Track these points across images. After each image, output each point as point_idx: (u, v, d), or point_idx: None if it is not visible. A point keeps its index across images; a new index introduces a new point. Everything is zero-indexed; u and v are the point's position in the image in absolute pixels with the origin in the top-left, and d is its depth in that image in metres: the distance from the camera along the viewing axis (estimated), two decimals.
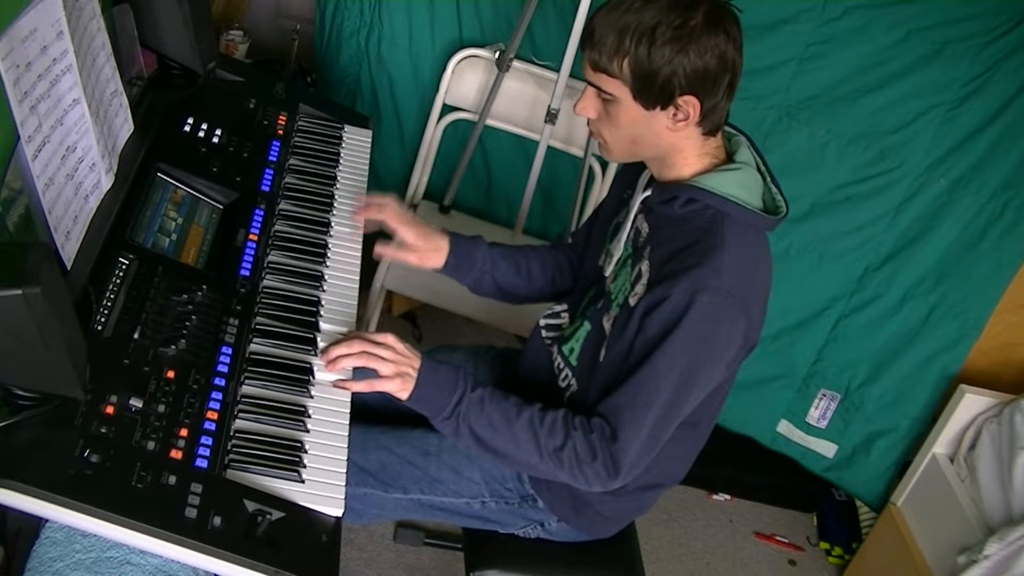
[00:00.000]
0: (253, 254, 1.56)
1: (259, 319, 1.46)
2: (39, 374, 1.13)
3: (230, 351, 1.38)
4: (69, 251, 1.32)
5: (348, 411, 1.41)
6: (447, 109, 2.53)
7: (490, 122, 2.48)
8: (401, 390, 1.44)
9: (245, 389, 1.36)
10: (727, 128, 1.51)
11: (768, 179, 1.50)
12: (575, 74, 2.33)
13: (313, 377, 1.42)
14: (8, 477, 1.08)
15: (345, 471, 1.32)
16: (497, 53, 2.38)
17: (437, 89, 2.48)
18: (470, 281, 1.74)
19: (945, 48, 2.21)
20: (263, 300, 1.50)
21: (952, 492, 2.32)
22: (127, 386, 1.24)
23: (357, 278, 1.64)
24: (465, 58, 2.44)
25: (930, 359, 2.44)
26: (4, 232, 1.25)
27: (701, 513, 2.73)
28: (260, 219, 1.63)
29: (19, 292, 1.04)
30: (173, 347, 1.32)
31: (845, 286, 2.44)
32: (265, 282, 1.53)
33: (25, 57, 1.21)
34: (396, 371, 1.43)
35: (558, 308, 1.71)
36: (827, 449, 2.58)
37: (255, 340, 1.43)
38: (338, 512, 1.26)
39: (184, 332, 1.35)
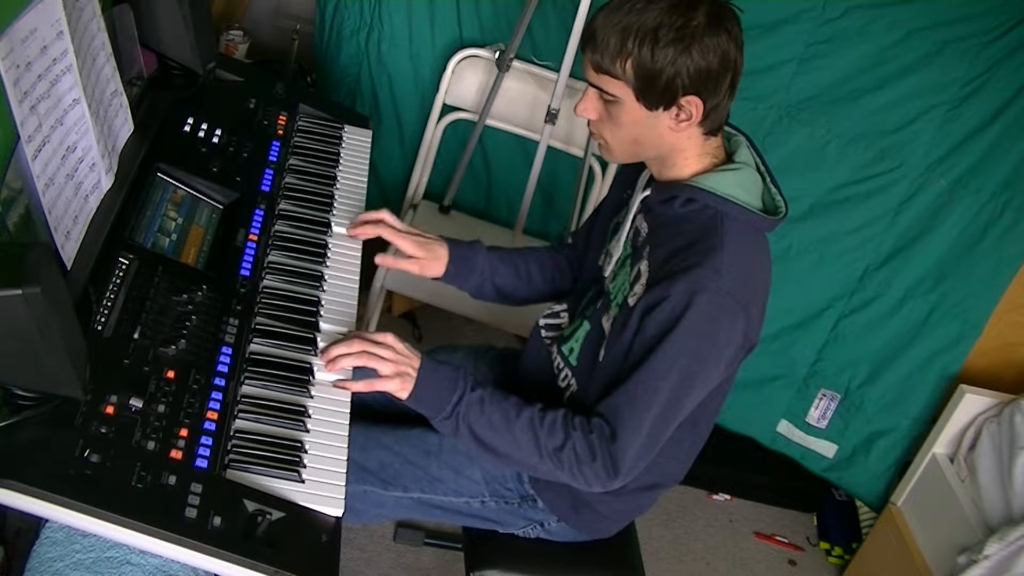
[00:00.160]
0: (253, 254, 1.56)
1: (259, 319, 1.46)
2: (39, 374, 1.13)
3: (230, 351, 1.38)
4: (69, 251, 1.32)
5: (348, 411, 1.41)
6: (447, 109, 2.53)
7: (490, 122, 2.48)
8: (401, 390, 1.44)
9: (245, 389, 1.36)
10: (727, 128, 1.51)
11: (768, 179, 1.50)
12: (575, 74, 2.33)
13: (313, 377, 1.42)
14: (8, 477, 1.08)
15: (345, 471, 1.32)
16: (497, 53, 2.38)
17: (437, 89, 2.48)
18: (470, 287, 1.75)
19: (945, 48, 2.21)
20: (263, 300, 1.50)
21: (952, 492, 2.32)
22: (127, 386, 1.24)
23: (357, 278, 1.64)
24: (465, 58, 2.44)
25: (930, 359, 2.44)
26: (4, 232, 1.25)
27: (701, 513, 2.73)
28: (260, 219, 1.63)
29: (19, 292, 1.04)
30: (173, 347, 1.32)
31: (845, 286, 2.44)
32: (265, 282, 1.53)
33: (25, 57, 1.21)
34: (396, 371, 1.43)
35: (557, 308, 1.71)
36: (827, 449, 2.58)
37: (255, 340, 1.43)
38: (338, 512, 1.26)
39: (184, 332, 1.35)
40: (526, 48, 2.41)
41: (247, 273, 1.52)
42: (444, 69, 2.45)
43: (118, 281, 1.37)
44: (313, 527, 1.24)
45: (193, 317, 1.38)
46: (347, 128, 1.95)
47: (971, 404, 2.35)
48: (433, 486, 1.65)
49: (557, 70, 2.33)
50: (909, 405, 2.49)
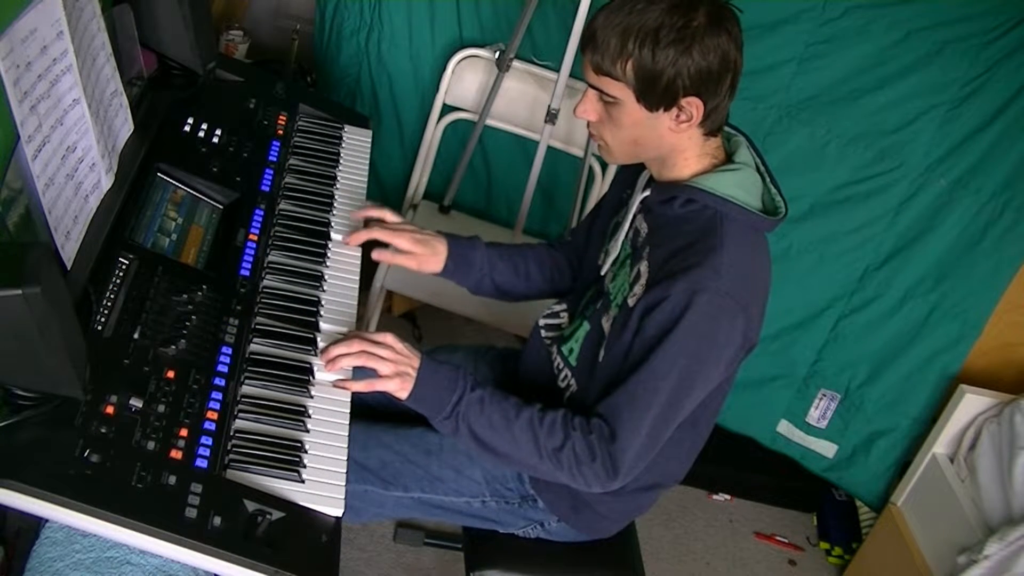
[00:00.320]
0: (253, 254, 1.56)
1: (259, 319, 1.46)
2: (39, 374, 1.13)
3: (230, 351, 1.38)
4: (69, 251, 1.32)
5: (348, 411, 1.41)
6: (447, 109, 2.53)
7: (490, 122, 2.48)
8: (400, 390, 1.44)
9: (245, 389, 1.36)
10: (727, 128, 1.51)
11: (767, 179, 1.50)
12: (575, 74, 2.33)
13: (313, 377, 1.42)
14: (8, 477, 1.08)
15: (345, 471, 1.32)
16: (497, 53, 2.38)
17: (437, 89, 2.48)
18: (469, 284, 1.75)
19: (945, 48, 2.21)
20: (263, 300, 1.50)
21: (952, 492, 2.32)
22: (127, 386, 1.24)
23: (357, 278, 1.64)
24: (465, 58, 2.44)
25: (930, 359, 2.44)
26: (4, 232, 1.25)
27: (701, 513, 2.73)
28: (260, 219, 1.63)
29: (19, 292, 1.04)
30: (173, 347, 1.32)
31: (845, 286, 2.44)
32: (265, 282, 1.53)
33: (25, 57, 1.21)
34: (395, 371, 1.43)
35: (557, 308, 1.71)
36: (827, 449, 2.58)
37: (255, 340, 1.43)
38: (338, 512, 1.26)
39: (184, 332, 1.35)
40: (526, 48, 2.41)
41: (247, 273, 1.52)
42: (444, 69, 2.45)
43: (118, 281, 1.37)
44: (313, 527, 1.24)
45: (193, 317, 1.38)
46: (347, 128, 1.95)
47: (971, 404, 2.35)
48: (433, 486, 1.65)
49: (557, 70, 2.34)
50: (909, 405, 2.49)
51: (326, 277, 1.59)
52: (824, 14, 2.24)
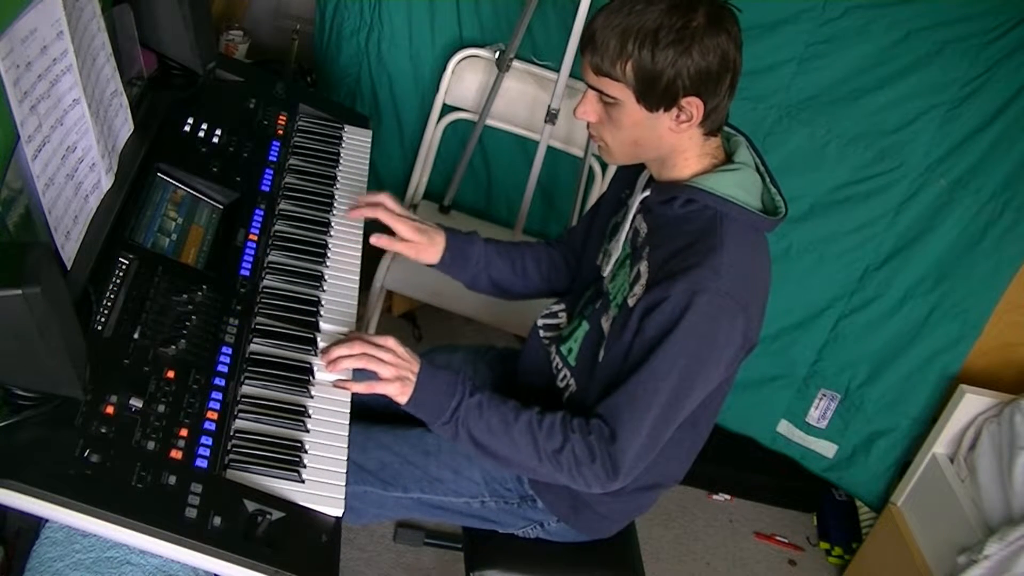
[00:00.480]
0: (253, 254, 1.56)
1: (259, 319, 1.46)
2: (39, 374, 1.13)
3: (230, 351, 1.38)
4: (69, 251, 1.32)
5: (348, 411, 1.41)
6: (447, 109, 2.53)
7: (490, 122, 2.48)
8: (400, 394, 1.44)
9: (245, 389, 1.36)
10: (726, 128, 1.51)
11: (767, 179, 1.50)
12: (575, 74, 2.33)
13: (313, 377, 1.42)
14: (8, 477, 1.08)
15: (345, 471, 1.32)
16: (497, 53, 2.38)
17: (437, 89, 2.48)
18: (465, 278, 1.75)
19: (945, 48, 2.21)
20: (263, 300, 1.50)
21: (952, 492, 2.32)
22: (127, 386, 1.24)
23: (357, 278, 1.64)
24: (465, 58, 2.44)
25: (930, 359, 2.44)
26: (4, 232, 1.25)
27: (701, 513, 2.73)
28: (260, 219, 1.63)
29: (19, 292, 1.04)
30: (173, 347, 1.32)
31: (845, 286, 2.44)
32: (265, 282, 1.53)
33: (25, 57, 1.21)
34: (396, 374, 1.43)
35: (556, 308, 1.71)
36: (827, 449, 2.58)
37: (255, 340, 1.43)
38: (338, 512, 1.26)
39: (184, 332, 1.35)
40: (526, 48, 2.41)
41: (247, 273, 1.52)
42: (444, 69, 2.45)
43: (118, 281, 1.37)
44: (313, 527, 1.24)
45: (193, 317, 1.38)
46: (347, 128, 1.95)
47: (971, 404, 2.35)
48: (433, 486, 1.65)
49: (557, 70, 2.34)
50: (909, 405, 2.49)
51: (326, 277, 1.59)
52: (824, 14, 2.24)
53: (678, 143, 1.44)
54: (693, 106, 1.38)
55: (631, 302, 1.44)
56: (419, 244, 1.67)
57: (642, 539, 1.83)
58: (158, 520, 1.13)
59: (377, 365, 1.43)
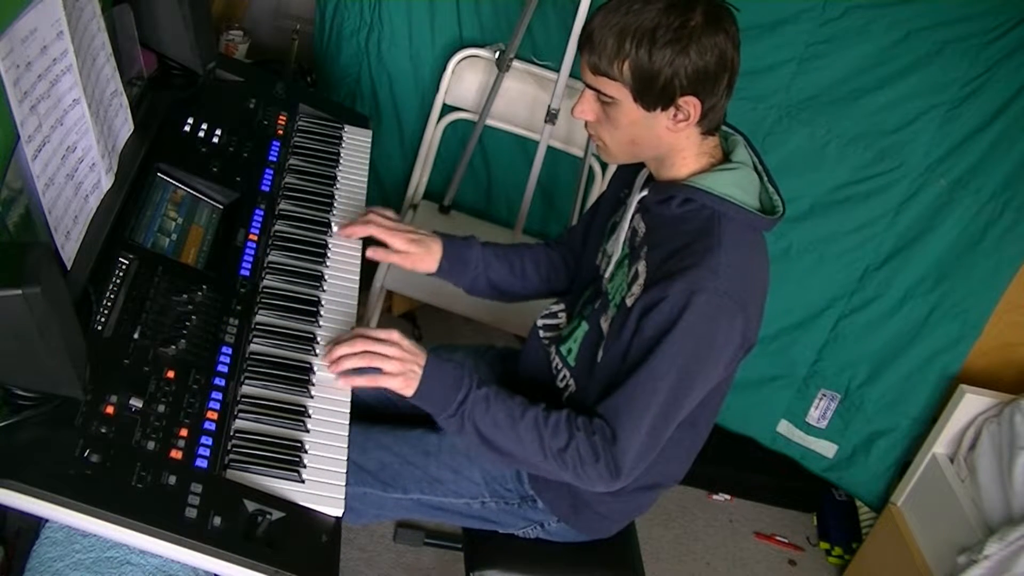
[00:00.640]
0: (253, 254, 1.56)
1: (259, 319, 1.46)
2: (39, 374, 1.13)
3: (230, 351, 1.38)
4: (69, 251, 1.32)
5: (348, 411, 1.41)
6: (447, 109, 2.53)
7: (490, 122, 2.48)
8: (406, 387, 1.44)
9: (245, 389, 1.36)
10: (724, 128, 1.51)
11: (765, 178, 1.50)
12: (575, 74, 2.33)
13: (313, 377, 1.42)
14: (8, 477, 1.08)
15: (345, 471, 1.32)
16: (497, 53, 2.38)
17: (437, 89, 2.48)
18: (465, 283, 1.74)
19: (945, 48, 2.21)
20: (263, 300, 1.50)
21: (952, 492, 2.32)
22: (127, 386, 1.24)
23: (357, 278, 1.64)
24: (465, 58, 2.44)
25: (930, 359, 2.44)
26: (4, 232, 1.25)
27: (701, 513, 2.73)
28: (260, 219, 1.63)
29: (19, 292, 1.04)
30: (173, 347, 1.32)
31: (845, 286, 2.44)
32: (265, 282, 1.53)
33: (25, 57, 1.21)
34: (401, 368, 1.43)
35: (555, 308, 1.71)
36: (827, 449, 2.58)
37: (255, 340, 1.43)
38: (338, 512, 1.26)
39: (184, 332, 1.35)
40: (526, 48, 2.41)
41: (247, 273, 1.52)
42: (444, 69, 2.45)
43: (118, 281, 1.37)
44: (313, 527, 1.24)
45: (193, 317, 1.38)
46: (347, 128, 1.95)
47: (971, 404, 2.35)
48: (433, 487, 1.65)
49: (557, 70, 2.34)
50: (909, 405, 2.49)
51: (326, 277, 1.59)
52: (824, 14, 2.24)
53: (676, 142, 1.44)
54: (690, 105, 1.38)
55: (629, 302, 1.44)
56: (415, 255, 1.68)
57: (642, 539, 1.83)
58: (158, 520, 1.13)
59: (380, 361, 1.42)
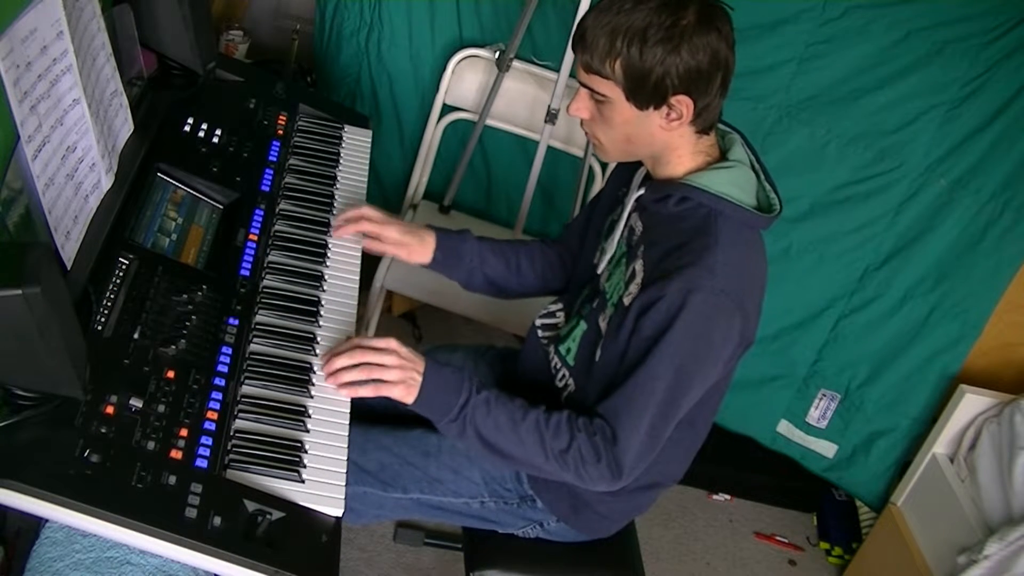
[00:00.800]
0: (253, 254, 1.56)
1: (259, 319, 1.46)
2: (39, 374, 1.13)
3: (230, 351, 1.38)
4: (69, 251, 1.32)
5: (348, 411, 1.41)
6: (447, 109, 2.53)
7: (490, 122, 2.48)
8: (406, 395, 1.43)
9: (245, 389, 1.36)
10: (721, 126, 1.51)
11: (762, 177, 1.50)
12: (575, 74, 2.32)
13: (313, 377, 1.42)
14: (8, 477, 1.08)
15: (345, 471, 1.32)
16: (497, 53, 2.39)
17: (437, 89, 2.49)
18: (460, 276, 1.74)
19: (945, 48, 2.21)
20: (263, 300, 1.50)
21: (952, 492, 2.32)
22: (127, 386, 1.24)
23: (357, 278, 1.64)
24: (465, 58, 2.44)
25: (930, 359, 2.44)
26: (4, 232, 1.25)
27: (701, 513, 2.73)
28: (260, 219, 1.63)
29: (19, 292, 1.04)
30: (173, 347, 1.32)
31: (845, 286, 2.44)
32: (265, 282, 1.53)
33: (25, 57, 1.21)
34: (400, 377, 1.42)
35: (553, 308, 1.71)
36: (827, 449, 2.58)
37: (255, 340, 1.43)
38: (338, 512, 1.26)
39: (184, 332, 1.35)
40: (526, 48, 2.41)
41: (247, 273, 1.52)
42: (444, 69, 2.46)
43: (118, 281, 1.37)
44: (313, 527, 1.24)
45: (193, 317, 1.38)
46: (347, 128, 1.95)
47: (971, 404, 2.35)
48: (432, 487, 1.65)
49: (557, 70, 2.34)
50: (909, 405, 2.49)
51: (326, 277, 1.59)
52: (824, 14, 2.24)
53: (670, 141, 1.44)
54: (683, 104, 1.38)
55: (627, 301, 1.44)
56: (410, 246, 1.68)
57: (642, 539, 1.83)
58: (158, 520, 1.13)
59: (380, 372, 1.42)
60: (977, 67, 2.21)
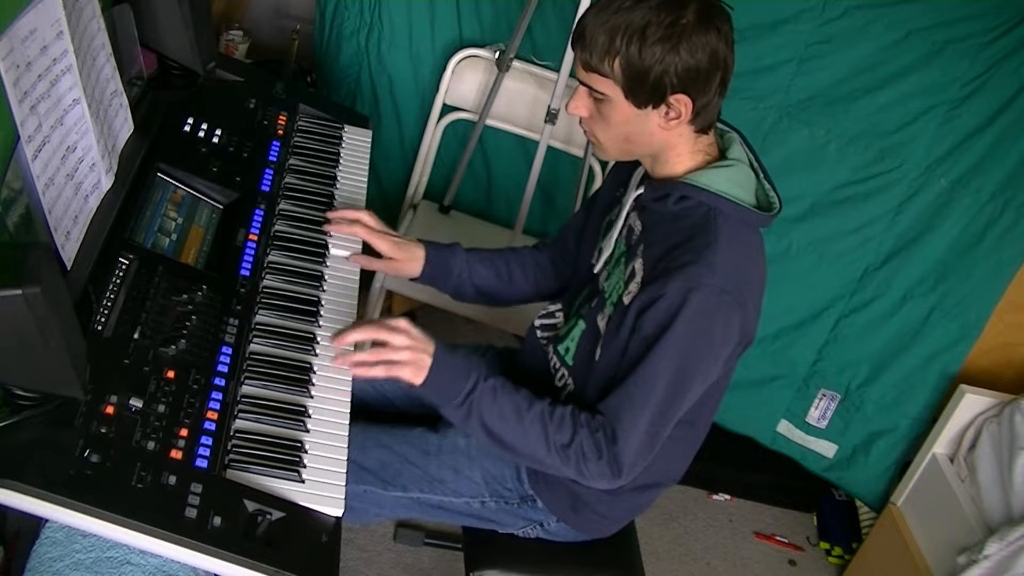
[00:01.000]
0: (253, 254, 1.56)
1: (259, 319, 1.46)
2: (39, 374, 1.13)
3: (230, 351, 1.38)
4: (69, 251, 1.32)
5: (348, 411, 1.41)
6: (447, 109, 2.53)
7: (490, 122, 2.48)
8: (415, 376, 1.43)
9: (245, 389, 1.36)
10: (720, 125, 1.51)
11: (761, 175, 1.51)
12: (575, 73, 2.33)
13: (313, 377, 1.42)
14: (8, 477, 1.08)
15: (345, 471, 1.32)
16: (497, 53, 2.39)
17: (437, 89, 2.49)
18: (450, 288, 1.75)
19: (945, 48, 2.21)
20: (263, 300, 1.50)
21: (952, 492, 2.32)
22: (127, 386, 1.24)
23: (357, 278, 1.64)
24: (465, 58, 2.44)
25: (930, 359, 2.44)
26: (4, 232, 1.25)
27: (701, 513, 2.73)
28: (260, 219, 1.63)
29: (19, 292, 1.04)
30: (173, 347, 1.32)
31: (845, 286, 2.44)
32: (265, 282, 1.53)
33: (25, 57, 1.21)
34: (411, 357, 1.42)
35: (552, 308, 1.71)
36: (827, 449, 2.58)
37: (255, 340, 1.43)
38: (338, 512, 1.26)
39: (184, 332, 1.35)
40: (526, 48, 2.41)
41: (247, 273, 1.52)
42: (444, 69, 2.46)
43: (118, 281, 1.37)
44: (313, 527, 1.24)
45: (193, 317, 1.38)
46: (347, 128, 1.95)
47: (971, 404, 2.35)
48: (432, 486, 1.65)
49: (557, 70, 2.34)
50: (909, 405, 2.49)
51: (326, 277, 1.59)
52: (824, 14, 2.24)
53: (669, 140, 1.44)
54: (681, 103, 1.38)
55: (626, 300, 1.44)
56: (398, 260, 1.68)
57: (642, 539, 1.83)
58: (158, 520, 1.13)
59: (390, 352, 1.41)
60: (977, 67, 2.21)
